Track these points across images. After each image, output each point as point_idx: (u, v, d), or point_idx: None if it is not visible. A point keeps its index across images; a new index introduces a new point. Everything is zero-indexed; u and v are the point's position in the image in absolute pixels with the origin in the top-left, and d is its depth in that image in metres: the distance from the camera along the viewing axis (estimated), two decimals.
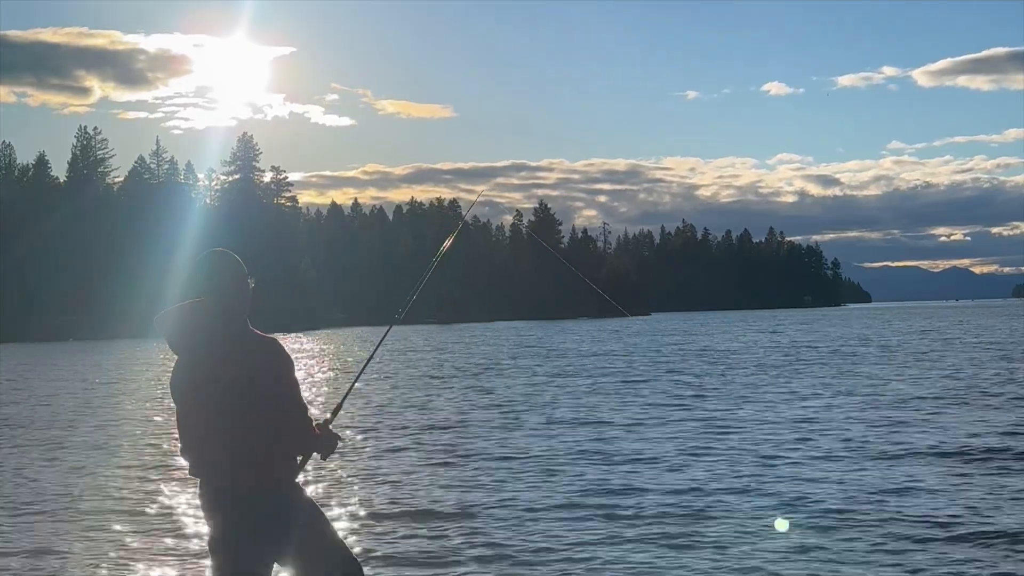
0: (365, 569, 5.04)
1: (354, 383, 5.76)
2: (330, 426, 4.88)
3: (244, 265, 4.79)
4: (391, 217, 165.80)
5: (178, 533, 9.17)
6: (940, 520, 8.83)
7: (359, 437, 15.61)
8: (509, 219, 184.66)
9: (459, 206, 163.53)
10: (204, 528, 4.77)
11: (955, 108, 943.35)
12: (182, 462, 4.72)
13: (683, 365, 31.69)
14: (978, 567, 7.49)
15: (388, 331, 6.13)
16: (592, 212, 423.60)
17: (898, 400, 18.82)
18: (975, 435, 13.78)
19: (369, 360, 5.91)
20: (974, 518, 8.90)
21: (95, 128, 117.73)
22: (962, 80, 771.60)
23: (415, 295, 5.91)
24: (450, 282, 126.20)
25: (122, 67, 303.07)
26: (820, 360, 31.90)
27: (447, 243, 6.01)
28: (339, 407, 5.28)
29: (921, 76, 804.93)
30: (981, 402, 18.15)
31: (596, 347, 46.95)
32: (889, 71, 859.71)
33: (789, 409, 17.83)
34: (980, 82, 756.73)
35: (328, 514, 5.04)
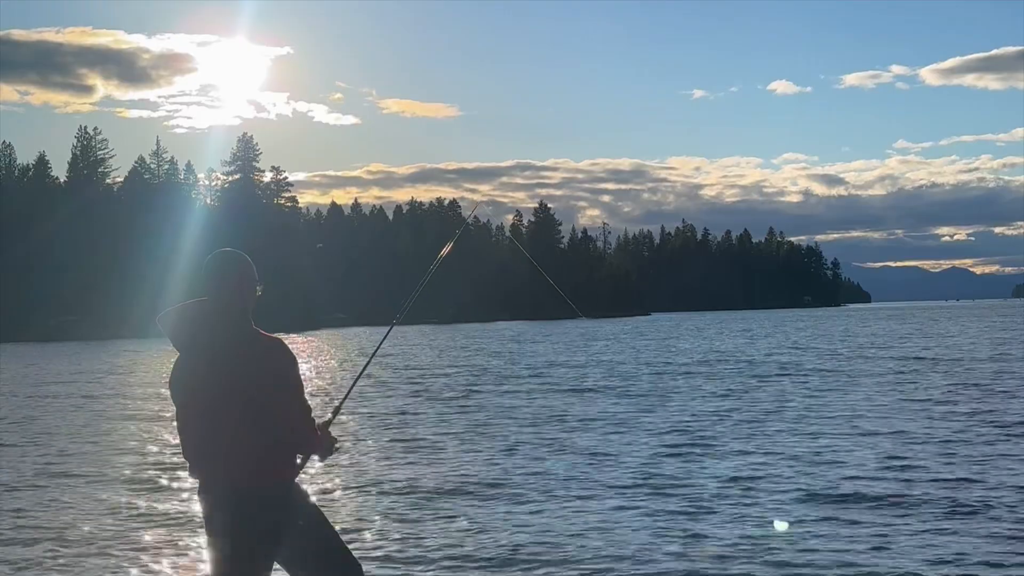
0: (365, 569, 5.04)
1: (353, 385, 5.76)
2: (329, 428, 4.89)
3: (253, 267, 4.79)
4: (391, 217, 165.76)
5: (177, 533, 9.16)
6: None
7: (357, 438, 15.62)
8: (511, 219, 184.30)
9: (460, 206, 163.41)
10: (203, 528, 4.79)
11: (963, 107, 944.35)
12: (182, 461, 4.70)
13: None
14: None
15: (388, 333, 6.12)
16: (596, 212, 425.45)
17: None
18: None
19: (368, 363, 5.89)
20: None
21: (95, 128, 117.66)
22: (970, 79, 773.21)
23: (413, 299, 5.90)
24: (450, 283, 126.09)
25: (125, 65, 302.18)
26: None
27: (446, 249, 5.91)
28: (338, 409, 5.27)
29: (929, 74, 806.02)
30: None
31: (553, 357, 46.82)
32: (898, 69, 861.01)
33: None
34: (989, 81, 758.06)
35: (328, 515, 5.04)
